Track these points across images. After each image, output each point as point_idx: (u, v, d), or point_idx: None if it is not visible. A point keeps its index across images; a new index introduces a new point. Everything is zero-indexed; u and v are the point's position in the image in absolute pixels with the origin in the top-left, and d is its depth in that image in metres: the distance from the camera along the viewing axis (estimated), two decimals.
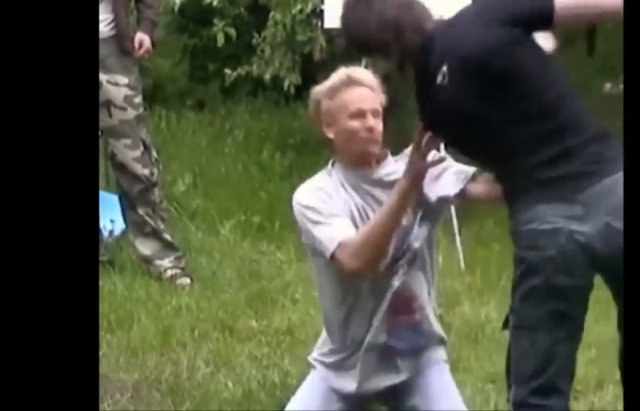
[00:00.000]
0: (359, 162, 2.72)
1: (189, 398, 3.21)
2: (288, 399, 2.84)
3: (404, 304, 2.72)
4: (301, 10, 5.89)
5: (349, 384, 2.73)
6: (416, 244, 2.68)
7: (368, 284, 2.69)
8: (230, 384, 3.31)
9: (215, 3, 6.57)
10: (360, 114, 2.66)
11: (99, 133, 4.37)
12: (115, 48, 4.15)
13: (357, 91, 2.67)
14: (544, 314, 2.35)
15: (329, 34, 6.00)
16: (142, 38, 4.29)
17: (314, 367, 2.85)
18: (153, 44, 4.39)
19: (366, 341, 2.70)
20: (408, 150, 2.63)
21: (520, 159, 2.35)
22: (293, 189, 6.24)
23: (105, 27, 4.12)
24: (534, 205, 2.31)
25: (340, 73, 2.73)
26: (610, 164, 2.26)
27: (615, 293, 2.39)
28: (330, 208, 2.70)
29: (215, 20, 6.81)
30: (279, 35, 6.07)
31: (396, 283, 2.66)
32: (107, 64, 4.12)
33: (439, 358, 2.78)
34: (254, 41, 6.35)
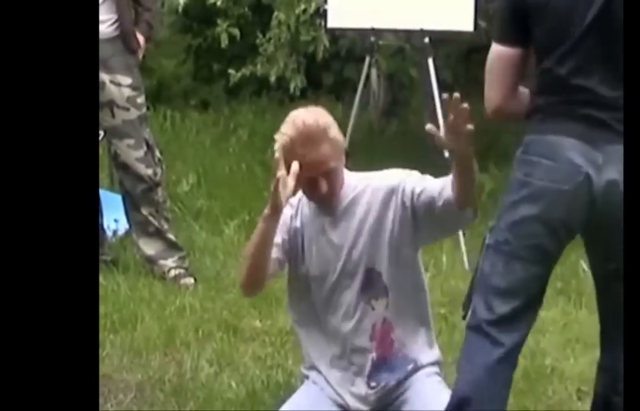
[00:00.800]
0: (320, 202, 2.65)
1: (192, 398, 3.21)
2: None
3: (381, 336, 2.67)
4: (305, 11, 5.89)
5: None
6: (379, 268, 2.62)
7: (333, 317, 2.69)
8: (234, 384, 3.31)
9: (219, 3, 6.57)
10: (312, 180, 2.54)
11: (103, 133, 4.38)
12: (120, 48, 4.16)
13: (319, 151, 2.53)
14: (531, 246, 2.34)
15: (333, 33, 6.01)
16: (138, 40, 4.29)
17: (306, 376, 2.86)
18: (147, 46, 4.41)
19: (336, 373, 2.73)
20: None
21: (568, 81, 2.33)
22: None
23: (108, 27, 4.13)
24: (558, 134, 2.33)
25: (296, 124, 2.56)
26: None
27: (594, 266, 2.44)
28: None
29: (219, 21, 6.82)
30: (283, 35, 6.07)
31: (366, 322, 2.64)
32: (110, 65, 4.13)
33: (427, 371, 2.73)
34: (257, 41, 6.35)
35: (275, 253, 2.66)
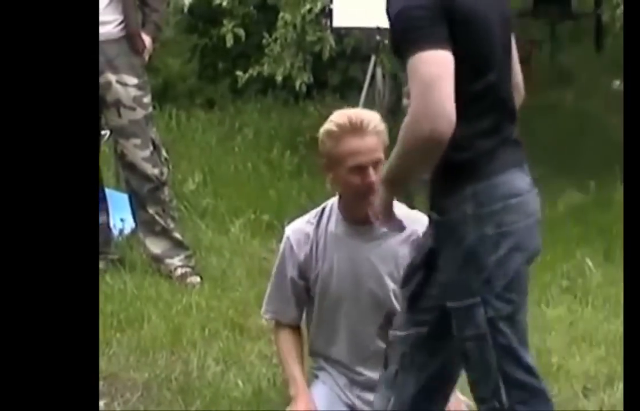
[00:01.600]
0: (356, 215, 2.67)
1: (199, 396, 3.21)
2: None
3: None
4: (310, 10, 5.89)
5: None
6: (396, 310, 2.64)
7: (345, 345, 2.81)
8: (240, 382, 3.32)
9: (224, 4, 6.57)
10: (360, 169, 2.58)
11: (109, 133, 4.39)
12: (125, 48, 4.16)
13: (359, 141, 2.56)
14: (525, 291, 2.17)
15: (338, 33, 6.01)
16: (145, 40, 4.30)
17: (316, 376, 2.96)
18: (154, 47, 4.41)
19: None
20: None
21: (506, 101, 2.23)
22: (302, 187, 6.30)
23: (114, 28, 4.13)
24: (508, 169, 2.14)
25: (343, 116, 2.61)
26: None
27: None
28: (286, 277, 2.83)
29: (225, 21, 6.82)
30: (289, 35, 6.08)
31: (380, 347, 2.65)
32: (117, 65, 4.14)
33: None
34: (264, 41, 6.35)
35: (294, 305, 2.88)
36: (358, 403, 2.86)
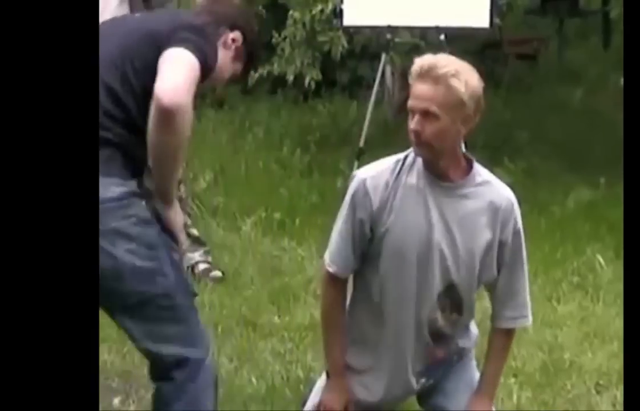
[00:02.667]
0: (428, 167, 2.51)
1: None
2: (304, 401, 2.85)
3: (440, 345, 2.65)
4: (322, 11, 5.91)
5: (369, 396, 2.69)
6: (459, 287, 2.56)
7: (406, 310, 2.59)
8: (254, 379, 3.34)
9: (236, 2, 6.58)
10: (411, 113, 2.45)
11: None
12: None
13: (420, 86, 2.41)
14: None
15: (348, 31, 6.02)
16: None
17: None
18: None
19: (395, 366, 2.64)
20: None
21: None
22: (313, 185, 6.32)
23: None
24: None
25: (419, 61, 2.45)
26: None
27: None
28: (355, 224, 2.55)
29: None
30: (299, 34, 6.09)
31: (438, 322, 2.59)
32: None
33: (464, 356, 2.75)
34: (273, 40, 6.37)
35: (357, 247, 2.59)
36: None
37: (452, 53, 4.44)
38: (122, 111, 2.32)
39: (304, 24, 6.03)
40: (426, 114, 2.40)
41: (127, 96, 2.32)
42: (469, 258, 2.52)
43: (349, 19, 4.96)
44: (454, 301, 2.57)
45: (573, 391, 3.34)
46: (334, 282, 2.64)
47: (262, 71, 6.39)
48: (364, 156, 5.12)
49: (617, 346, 3.64)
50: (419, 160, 2.52)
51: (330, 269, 2.63)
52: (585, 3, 10.63)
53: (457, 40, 6.09)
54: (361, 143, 5.04)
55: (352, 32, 6.25)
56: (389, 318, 2.59)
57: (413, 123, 2.42)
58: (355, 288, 2.69)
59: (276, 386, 3.30)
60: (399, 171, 2.54)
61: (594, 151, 6.45)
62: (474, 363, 2.78)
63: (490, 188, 2.53)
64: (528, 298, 2.64)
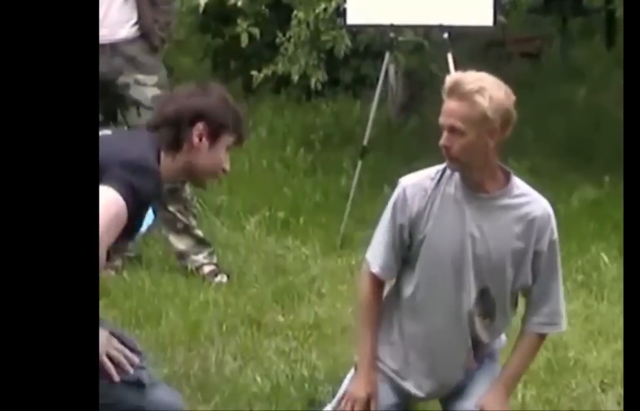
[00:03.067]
0: (463, 177, 2.62)
1: (217, 392, 3.24)
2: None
3: (474, 351, 2.72)
4: (325, 10, 5.90)
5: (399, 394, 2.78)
6: (492, 292, 2.65)
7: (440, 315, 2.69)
8: (258, 378, 3.34)
9: (239, 3, 6.59)
10: (442, 129, 2.57)
11: None
12: (143, 47, 4.18)
13: (448, 103, 2.54)
14: None
15: (351, 30, 6.01)
16: (162, 37, 4.30)
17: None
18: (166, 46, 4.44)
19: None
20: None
21: None
22: (317, 185, 6.32)
23: (131, 28, 4.15)
24: None
25: (449, 78, 2.59)
26: None
27: None
28: (396, 229, 2.68)
29: (239, 21, 6.82)
30: (303, 34, 6.09)
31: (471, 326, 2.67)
32: (135, 65, 4.15)
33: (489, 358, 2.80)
34: (277, 40, 6.37)
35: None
36: (413, 389, 2.76)
37: (455, 52, 4.46)
38: None
39: (307, 24, 6.03)
40: (453, 130, 2.52)
41: None
42: (502, 266, 2.62)
43: (352, 18, 4.94)
44: (487, 307, 2.67)
45: (578, 390, 3.34)
46: (373, 281, 2.77)
47: (267, 71, 6.38)
48: (368, 155, 5.12)
49: (621, 344, 3.62)
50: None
51: (373, 270, 2.75)
52: (589, 1, 10.61)
53: (460, 39, 6.10)
54: (365, 142, 5.03)
55: (355, 31, 6.24)
56: (423, 321, 2.70)
57: (442, 139, 2.56)
58: (393, 289, 2.80)
59: (281, 384, 3.30)
60: (439, 181, 2.66)
61: (598, 150, 6.44)
62: (498, 366, 2.80)
63: (527, 199, 2.64)
64: (562, 306, 2.74)
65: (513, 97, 2.57)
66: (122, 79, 4.11)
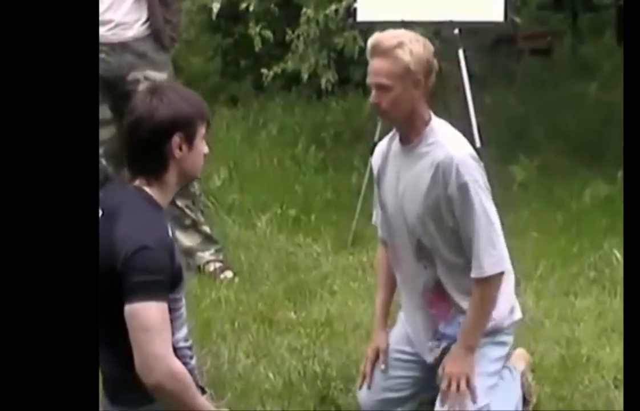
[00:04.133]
0: (398, 133, 2.80)
1: (230, 389, 3.24)
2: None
3: (434, 297, 2.81)
4: (337, 11, 5.90)
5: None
6: (424, 240, 2.75)
7: (401, 266, 2.89)
8: (270, 375, 3.34)
9: (252, 7, 6.60)
10: (370, 88, 2.72)
11: None
12: (153, 46, 4.18)
13: (372, 63, 2.70)
14: None
15: (362, 29, 6.00)
16: (172, 36, 4.30)
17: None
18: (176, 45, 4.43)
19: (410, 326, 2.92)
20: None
21: None
22: (328, 181, 6.30)
23: (141, 26, 4.15)
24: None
25: (370, 40, 2.73)
26: None
27: None
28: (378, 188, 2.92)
29: (251, 24, 6.82)
30: (312, 32, 6.09)
31: (421, 274, 2.80)
32: (145, 62, 4.15)
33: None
34: (287, 37, 6.37)
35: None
36: (420, 350, 2.91)
37: (465, 49, 4.44)
38: None
39: (317, 22, 6.02)
40: (380, 87, 2.68)
41: None
42: (423, 214, 2.72)
43: (362, 15, 4.93)
44: (425, 254, 2.77)
45: (591, 386, 3.32)
46: (380, 244, 3.04)
47: (277, 68, 6.38)
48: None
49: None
50: None
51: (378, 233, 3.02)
52: None
53: (470, 36, 6.08)
54: (375, 139, 5.02)
55: (367, 30, 6.23)
56: (398, 276, 2.94)
57: (371, 97, 2.72)
58: None
59: (293, 381, 3.30)
60: (391, 139, 2.86)
61: (609, 145, 6.40)
62: (484, 352, 2.79)
63: (433, 146, 2.72)
64: (483, 251, 2.67)
65: (432, 48, 2.72)
66: (132, 75, 4.11)
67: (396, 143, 2.81)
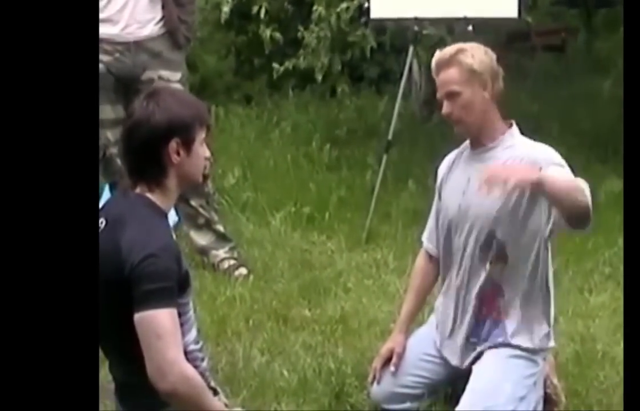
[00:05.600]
0: (470, 142, 2.88)
1: (245, 387, 3.24)
2: None
3: (488, 297, 2.83)
4: (347, 8, 5.90)
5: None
6: (499, 234, 2.77)
7: (456, 269, 2.91)
8: (285, 372, 3.34)
9: (262, 9, 6.61)
10: (441, 99, 2.79)
11: None
12: (167, 45, 4.19)
13: (438, 79, 2.79)
14: None
15: (376, 27, 6.01)
16: (186, 35, 4.31)
17: None
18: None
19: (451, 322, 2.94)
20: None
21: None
22: (341, 180, 6.31)
23: (156, 25, 4.16)
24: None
25: (432, 62, 2.83)
26: None
27: None
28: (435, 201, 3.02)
29: (262, 26, 6.84)
30: (324, 30, 6.09)
31: (482, 273, 2.82)
32: (160, 60, 4.16)
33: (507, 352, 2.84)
34: (299, 34, 6.37)
35: None
36: (446, 352, 2.97)
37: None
38: None
39: (329, 22, 6.03)
40: (450, 96, 2.76)
41: None
42: (502, 208, 2.74)
43: (375, 12, 4.93)
44: (495, 250, 2.79)
45: (606, 382, 3.31)
46: (423, 252, 3.14)
47: (289, 64, 6.39)
48: (392, 149, 5.11)
49: None
50: None
51: (423, 242, 3.12)
52: None
53: (483, 34, 6.06)
54: (389, 137, 5.03)
55: (379, 28, 6.23)
56: (446, 282, 2.99)
57: (443, 109, 2.78)
58: None
59: (308, 378, 3.30)
60: (460, 151, 2.94)
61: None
62: (520, 363, 2.83)
63: (516, 149, 2.79)
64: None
65: (493, 55, 2.81)
66: (146, 75, 4.13)
67: (467, 151, 2.89)
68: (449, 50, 2.78)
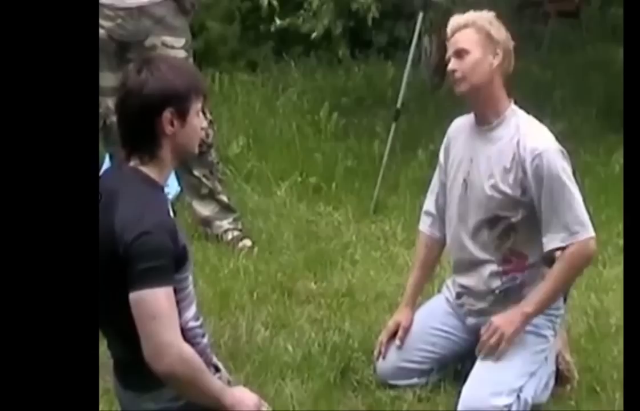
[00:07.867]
0: (474, 113, 2.86)
1: (248, 361, 3.19)
2: None
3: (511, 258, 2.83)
4: None
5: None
6: (504, 214, 2.79)
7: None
8: (290, 347, 3.29)
9: None
10: (449, 58, 2.79)
11: None
12: (170, 11, 4.08)
13: (457, 35, 2.77)
14: None
15: None
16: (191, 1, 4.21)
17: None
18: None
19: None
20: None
21: None
22: (349, 148, 6.20)
23: None
24: None
25: (448, 28, 2.83)
26: None
27: None
28: (439, 170, 3.02)
29: None
30: None
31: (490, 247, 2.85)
32: (164, 26, 4.06)
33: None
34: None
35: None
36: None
37: (490, 11, 4.35)
38: None
39: None
40: (459, 53, 2.74)
41: None
42: (504, 189, 2.76)
43: None
44: (505, 227, 2.79)
45: (620, 357, 3.23)
46: (421, 229, 3.16)
47: (291, 21, 6.29)
48: (401, 118, 5.00)
49: None
50: None
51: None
52: None
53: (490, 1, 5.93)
54: (398, 105, 4.92)
55: None
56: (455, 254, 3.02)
57: (449, 65, 2.77)
58: None
59: (313, 353, 3.24)
60: (468, 118, 2.92)
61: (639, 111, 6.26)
62: (525, 336, 2.81)
63: (519, 131, 2.77)
64: (574, 218, 2.74)
65: (509, 34, 2.79)
66: (149, 41, 4.03)
67: (472, 125, 2.86)
68: (470, 15, 2.77)
